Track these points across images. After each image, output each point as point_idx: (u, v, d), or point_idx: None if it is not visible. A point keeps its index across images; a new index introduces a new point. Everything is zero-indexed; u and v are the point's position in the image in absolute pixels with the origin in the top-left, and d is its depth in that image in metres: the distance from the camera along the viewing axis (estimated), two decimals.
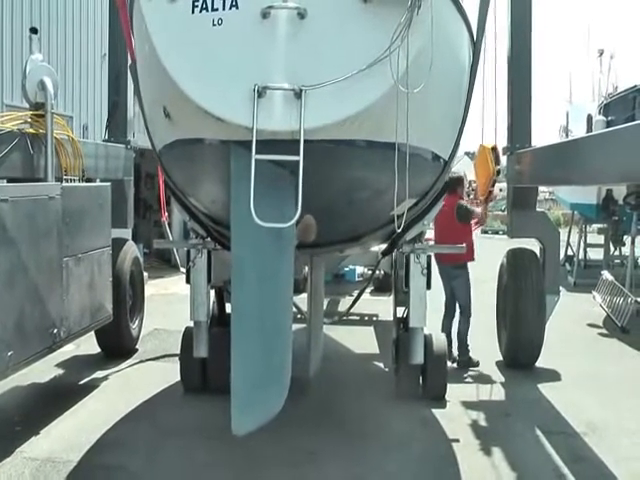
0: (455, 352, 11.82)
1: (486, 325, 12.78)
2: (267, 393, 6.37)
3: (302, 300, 10.82)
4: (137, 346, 12.67)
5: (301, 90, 5.65)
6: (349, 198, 7.11)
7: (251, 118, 5.60)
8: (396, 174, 6.27)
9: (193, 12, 5.98)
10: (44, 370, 10.65)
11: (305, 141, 5.60)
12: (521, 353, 11.66)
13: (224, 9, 5.90)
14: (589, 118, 22.05)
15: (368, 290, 15.96)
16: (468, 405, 9.89)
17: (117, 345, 12.05)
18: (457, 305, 11.97)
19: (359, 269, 18.89)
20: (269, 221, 5.62)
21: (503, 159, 13.11)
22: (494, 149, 12.35)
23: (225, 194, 6.08)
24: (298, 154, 5.57)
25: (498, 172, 12.18)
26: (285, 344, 6.60)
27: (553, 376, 11.43)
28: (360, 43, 5.87)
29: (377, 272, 15.59)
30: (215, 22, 5.91)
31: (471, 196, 13.20)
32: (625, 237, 20.15)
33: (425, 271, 9.39)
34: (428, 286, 9.49)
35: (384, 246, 11.04)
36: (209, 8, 5.92)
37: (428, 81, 6.17)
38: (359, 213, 7.65)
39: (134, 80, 7.87)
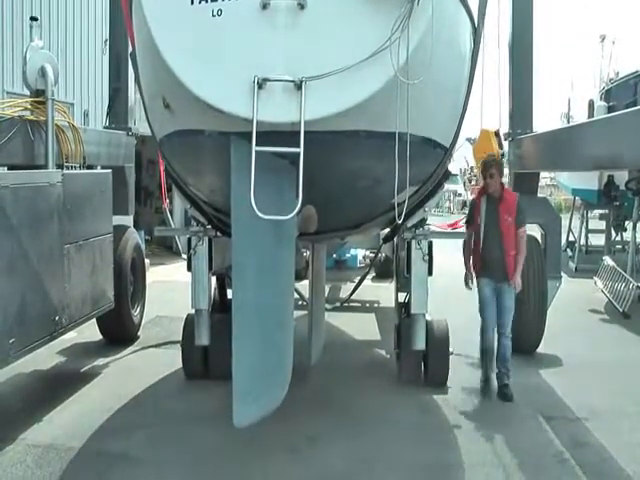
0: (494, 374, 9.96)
1: None
2: (268, 385, 6.40)
3: (304, 287, 10.82)
4: (139, 333, 12.67)
5: (301, 81, 5.65)
6: (350, 188, 7.11)
7: (251, 110, 5.61)
8: (396, 163, 6.28)
9: (192, 3, 5.97)
10: (46, 357, 10.68)
11: (306, 132, 5.59)
12: (523, 339, 11.62)
13: (223, 0, 5.89)
14: (590, 104, 22.01)
15: (369, 277, 15.98)
16: (470, 391, 9.88)
17: (119, 332, 12.06)
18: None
19: (360, 254, 18.93)
20: (270, 213, 5.63)
21: (504, 144, 13.13)
22: (497, 133, 12.34)
23: (225, 183, 6.08)
24: (299, 146, 5.58)
25: (502, 155, 12.15)
26: (286, 337, 6.62)
27: (554, 362, 11.43)
28: (360, 33, 5.86)
29: (379, 255, 15.63)
30: (214, 13, 5.91)
31: (472, 182, 13.15)
32: (626, 222, 20.14)
33: (426, 257, 9.38)
34: (430, 272, 9.48)
35: (386, 230, 11.05)
36: None
37: (428, 71, 6.16)
38: (360, 202, 7.65)
39: (134, 69, 7.87)
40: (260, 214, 5.54)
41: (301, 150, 5.59)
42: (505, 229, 9.44)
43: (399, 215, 6.62)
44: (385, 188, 6.59)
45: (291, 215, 5.77)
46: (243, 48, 5.83)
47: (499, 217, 9.48)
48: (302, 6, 5.79)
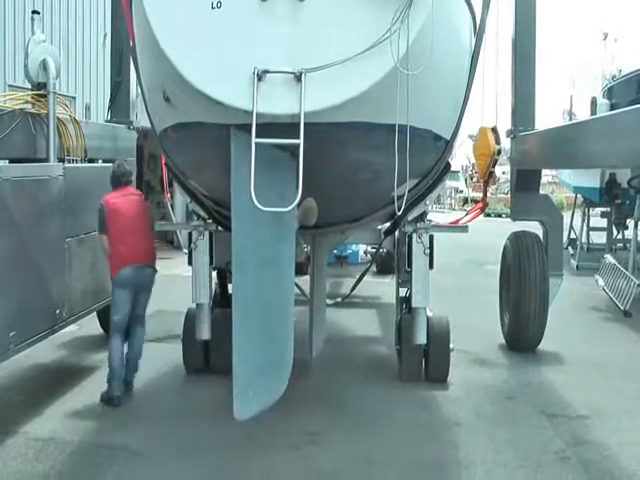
0: None
1: (489, 308, 12.77)
2: (268, 379, 6.39)
3: (305, 282, 10.81)
4: None
5: (301, 73, 5.65)
6: (350, 180, 7.10)
7: (251, 102, 5.60)
8: (396, 155, 6.27)
9: None
10: (46, 351, 10.65)
11: (306, 124, 5.59)
12: (524, 336, 11.65)
13: None
14: (593, 101, 21.97)
15: (371, 272, 15.96)
16: (470, 388, 9.87)
17: None
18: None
19: (362, 249, 18.94)
20: (270, 205, 5.63)
21: (506, 141, 13.10)
22: (494, 130, 12.33)
23: (225, 177, 6.08)
24: (299, 137, 5.57)
25: (499, 151, 12.15)
26: (287, 330, 6.60)
27: (555, 359, 11.43)
28: (360, 25, 5.85)
29: (380, 250, 15.61)
30: (214, 5, 5.90)
31: (474, 179, 13.14)
32: (628, 220, 20.11)
33: (427, 251, 9.36)
34: (431, 266, 9.46)
35: (387, 224, 11.03)
36: None
37: (429, 62, 6.15)
38: (360, 194, 7.63)
39: (134, 62, 7.86)
40: (260, 206, 5.54)
41: (301, 142, 5.59)
42: None
43: (399, 208, 6.61)
44: (385, 181, 6.57)
45: (291, 207, 5.76)
46: (243, 40, 5.83)
47: None
48: None
